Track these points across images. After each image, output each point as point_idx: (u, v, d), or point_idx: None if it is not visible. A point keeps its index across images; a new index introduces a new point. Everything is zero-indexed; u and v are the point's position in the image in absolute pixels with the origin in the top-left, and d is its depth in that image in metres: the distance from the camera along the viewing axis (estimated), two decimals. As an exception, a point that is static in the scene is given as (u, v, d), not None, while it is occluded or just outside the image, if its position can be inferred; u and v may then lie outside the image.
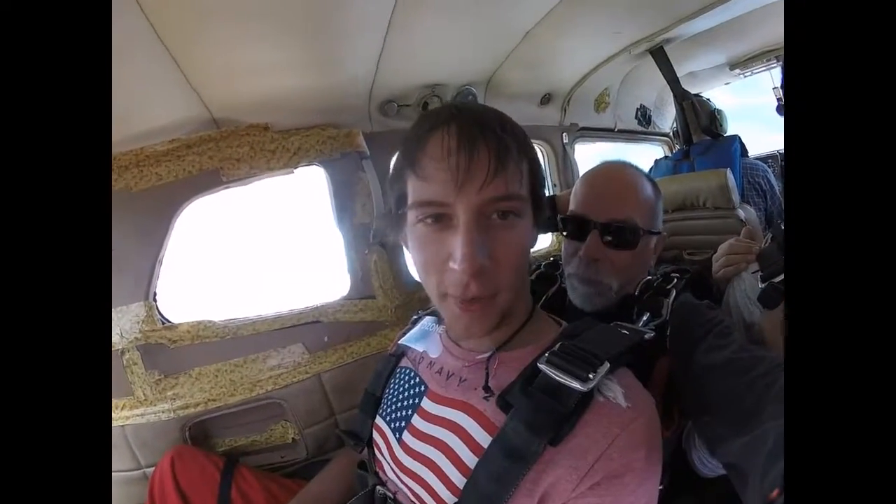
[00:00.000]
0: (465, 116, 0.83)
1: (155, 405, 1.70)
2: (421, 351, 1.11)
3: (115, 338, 1.64)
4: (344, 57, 1.61)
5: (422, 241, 0.85)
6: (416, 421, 1.00)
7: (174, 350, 1.72)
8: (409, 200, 0.85)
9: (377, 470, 1.11)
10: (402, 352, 1.18)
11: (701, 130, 3.13)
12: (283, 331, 1.82)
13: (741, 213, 2.12)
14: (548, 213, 0.99)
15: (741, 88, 4.08)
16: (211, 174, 1.67)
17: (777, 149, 4.51)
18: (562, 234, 1.38)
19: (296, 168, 1.79)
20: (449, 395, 0.97)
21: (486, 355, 0.95)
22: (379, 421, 1.11)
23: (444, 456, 0.90)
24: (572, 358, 0.84)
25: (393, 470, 1.02)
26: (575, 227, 1.33)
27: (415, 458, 0.96)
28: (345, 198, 1.90)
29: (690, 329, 1.13)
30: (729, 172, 2.14)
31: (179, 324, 1.72)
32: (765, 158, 4.36)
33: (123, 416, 1.68)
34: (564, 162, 2.93)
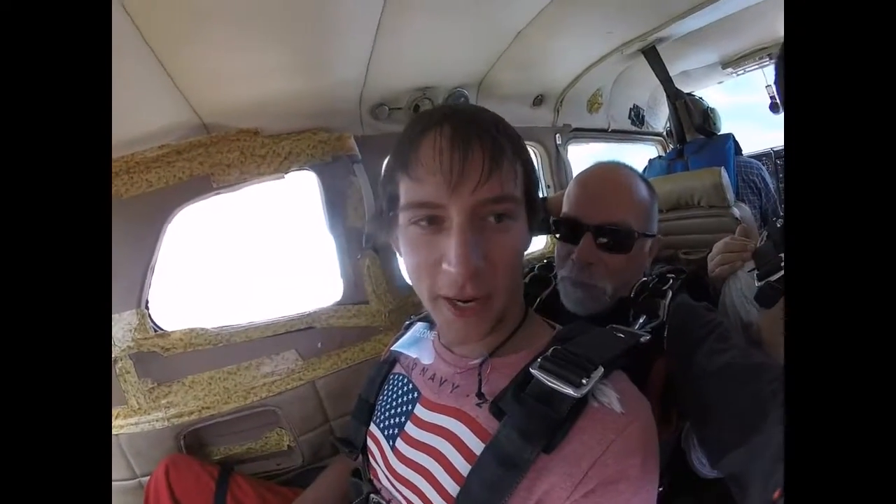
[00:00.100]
0: (458, 117, 0.83)
1: (149, 414, 1.69)
2: (413, 357, 1.09)
3: (108, 346, 1.62)
4: (333, 60, 1.60)
5: (414, 244, 0.84)
6: (410, 428, 0.98)
7: (167, 358, 1.70)
8: (402, 202, 0.83)
9: (371, 478, 1.10)
10: (394, 358, 1.17)
11: (694, 129, 3.12)
12: (276, 337, 1.81)
13: (736, 212, 2.12)
14: (541, 215, 0.98)
15: (734, 87, 4.10)
16: (201, 180, 1.66)
17: (771, 146, 4.52)
18: (554, 236, 1.36)
19: (287, 173, 1.78)
20: (441, 402, 0.96)
21: (479, 361, 0.93)
22: (373, 428, 1.09)
23: (437, 463, 0.89)
24: (565, 363, 0.82)
25: (387, 477, 1.01)
26: (568, 230, 1.30)
27: (408, 466, 0.95)
28: (336, 202, 1.89)
29: (689, 330, 1.11)
30: (723, 171, 2.13)
31: (172, 331, 1.71)
32: (759, 156, 4.37)
33: (118, 425, 1.67)
34: (558, 163, 2.93)
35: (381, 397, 1.12)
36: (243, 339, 1.77)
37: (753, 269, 1.13)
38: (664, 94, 3.17)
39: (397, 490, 0.98)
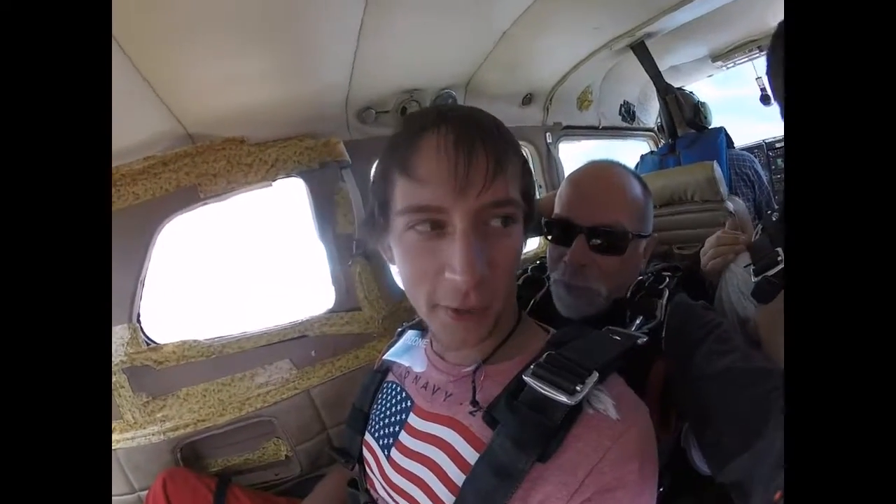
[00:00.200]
0: (458, 118, 0.80)
1: (144, 428, 1.68)
2: (406, 366, 1.08)
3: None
4: (316, 65, 1.59)
5: (412, 251, 0.81)
6: (404, 437, 0.97)
7: (160, 371, 1.69)
8: (399, 206, 0.81)
9: (368, 487, 1.09)
10: (387, 366, 1.15)
11: (685, 124, 3.12)
12: (269, 347, 1.80)
13: (730, 206, 2.11)
14: (536, 218, 0.97)
15: (724, 80, 4.09)
16: (188, 191, 1.64)
17: (762, 138, 4.53)
18: (546, 238, 1.34)
19: (274, 180, 1.76)
20: (435, 411, 0.94)
21: (472, 368, 0.92)
22: (368, 437, 1.08)
23: (432, 473, 0.87)
24: (559, 369, 0.80)
25: (383, 487, 1.00)
26: (560, 232, 1.28)
27: (403, 476, 0.94)
28: (325, 209, 1.87)
29: (688, 331, 1.10)
30: (716, 165, 2.12)
31: (164, 345, 1.69)
32: (750, 149, 4.39)
33: (114, 439, 1.66)
34: (549, 162, 2.92)
35: (375, 406, 1.11)
36: (236, 350, 1.76)
37: (749, 265, 1.12)
38: (654, 89, 3.17)
39: (393, 500, 0.97)
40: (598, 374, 0.79)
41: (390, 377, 1.12)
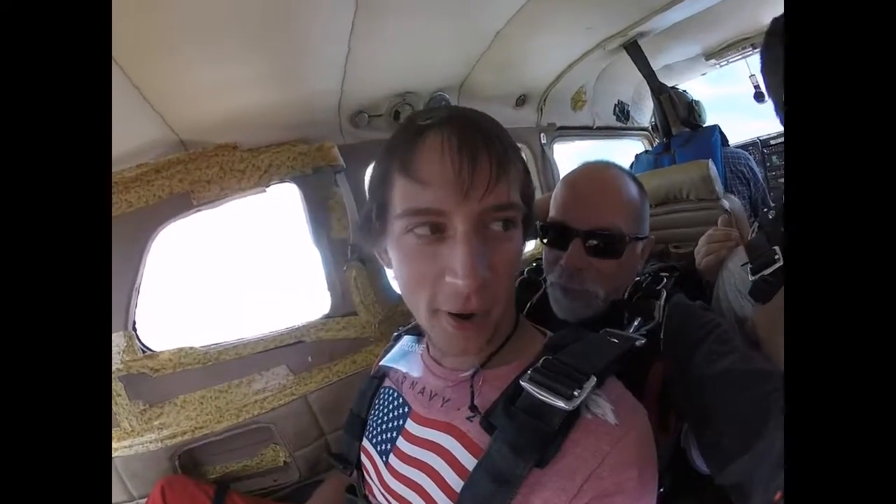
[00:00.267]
0: (460, 120, 0.80)
1: (142, 435, 1.68)
2: (403, 371, 1.07)
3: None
4: (307, 70, 1.59)
5: (412, 254, 0.80)
6: (402, 443, 0.96)
7: (157, 379, 1.69)
8: (399, 209, 0.79)
9: (367, 493, 1.08)
10: (384, 372, 1.14)
11: (680, 122, 3.12)
12: (266, 353, 1.80)
13: (726, 204, 2.11)
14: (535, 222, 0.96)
15: (717, 78, 4.09)
16: (181, 197, 1.64)
17: (757, 136, 4.53)
18: (542, 241, 1.32)
19: (268, 186, 1.76)
20: (432, 417, 0.93)
21: (470, 373, 0.91)
22: (366, 443, 1.07)
23: (430, 480, 0.87)
24: (556, 374, 0.80)
25: (382, 493, 0.99)
26: (556, 235, 1.26)
27: (402, 482, 0.93)
28: (320, 214, 1.87)
29: (687, 332, 1.09)
30: (711, 163, 2.12)
31: (160, 352, 1.69)
32: (745, 146, 4.39)
33: (112, 447, 1.66)
34: (544, 163, 2.92)
35: (372, 412, 1.10)
36: (233, 357, 1.76)
37: (746, 263, 1.12)
38: (648, 88, 3.17)
39: None
40: (595, 379, 0.78)
41: (387, 382, 1.11)
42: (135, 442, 1.66)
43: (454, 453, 0.85)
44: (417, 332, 1.14)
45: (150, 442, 1.67)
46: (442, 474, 0.85)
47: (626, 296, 1.26)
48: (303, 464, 1.86)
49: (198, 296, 2.22)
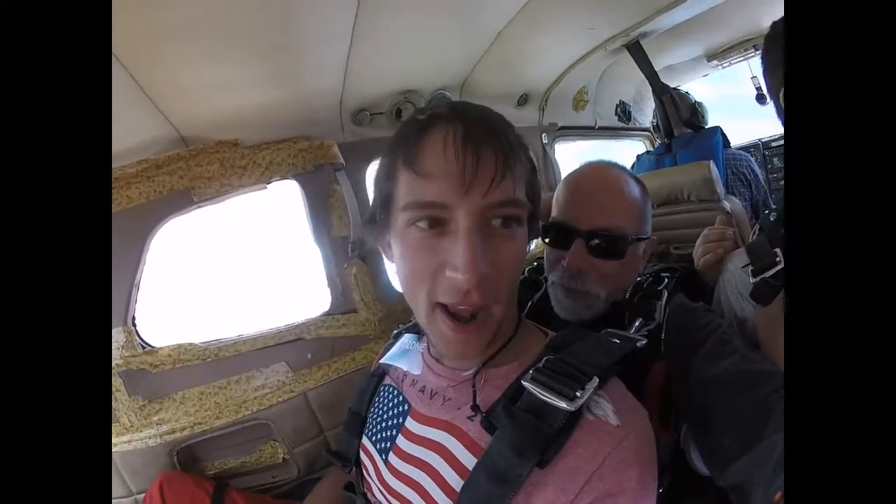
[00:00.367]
0: (468, 115, 0.80)
1: (141, 431, 1.68)
2: (403, 369, 1.07)
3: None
4: (309, 68, 1.58)
5: (414, 247, 0.80)
6: (401, 442, 0.96)
7: (156, 375, 1.69)
8: (402, 202, 0.80)
9: (365, 491, 1.07)
10: (384, 370, 1.14)
11: (682, 123, 3.12)
12: (266, 350, 1.79)
13: (727, 205, 2.10)
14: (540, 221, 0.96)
15: (719, 79, 4.08)
16: (182, 194, 1.63)
17: (758, 138, 4.52)
18: (543, 241, 1.32)
19: (268, 183, 1.75)
20: (432, 415, 0.93)
21: (472, 372, 0.91)
22: (365, 441, 1.07)
23: (430, 479, 0.87)
24: (558, 374, 0.79)
25: (381, 491, 0.99)
26: (558, 235, 1.26)
27: (402, 481, 0.93)
28: (320, 211, 1.86)
29: (688, 333, 1.10)
30: (712, 164, 2.11)
31: (160, 348, 1.69)
32: (746, 148, 4.38)
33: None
34: (545, 163, 2.91)
35: (371, 410, 1.10)
36: (232, 353, 1.76)
37: (748, 265, 1.12)
38: (650, 89, 3.16)
39: None
40: (598, 380, 0.78)
41: (387, 380, 1.11)
42: (134, 437, 1.66)
43: (454, 452, 0.85)
44: (418, 330, 1.14)
45: (149, 438, 1.67)
46: (441, 473, 0.85)
47: (627, 296, 1.26)
48: (301, 461, 1.86)
49: (198, 292, 2.22)
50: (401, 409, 1.01)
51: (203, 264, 2.19)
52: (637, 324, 1.17)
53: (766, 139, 4.48)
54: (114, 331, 1.63)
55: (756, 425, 0.84)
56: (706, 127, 3.18)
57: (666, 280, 1.27)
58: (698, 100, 3.26)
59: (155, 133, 1.54)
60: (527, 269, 1.56)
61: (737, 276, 1.21)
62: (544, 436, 0.75)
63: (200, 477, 1.75)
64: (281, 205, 1.89)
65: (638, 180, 1.32)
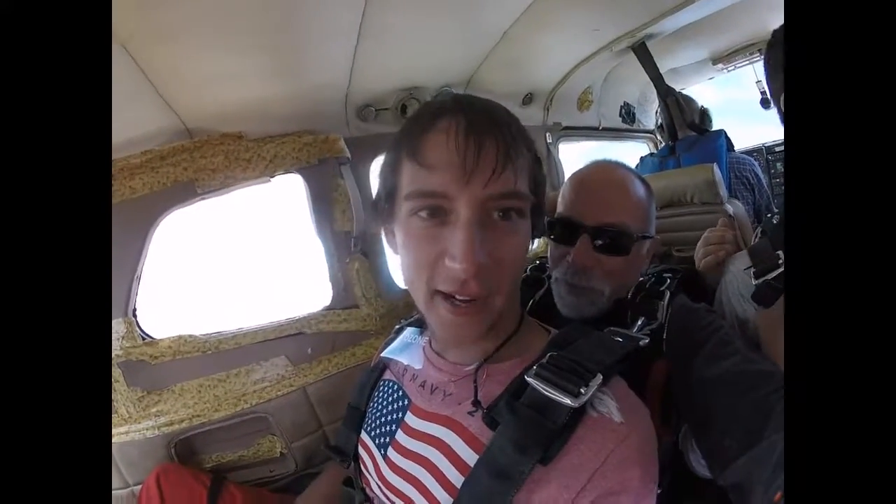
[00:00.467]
0: (473, 108, 0.80)
1: (139, 423, 1.67)
2: (404, 363, 1.07)
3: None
4: (316, 63, 1.58)
5: (415, 236, 0.81)
6: (401, 437, 0.96)
7: (156, 366, 1.68)
8: (405, 191, 0.80)
9: (364, 486, 1.07)
10: (384, 364, 1.14)
11: (686, 126, 3.11)
12: (266, 343, 1.79)
13: (729, 208, 2.10)
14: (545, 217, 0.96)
15: (724, 83, 4.09)
16: (185, 185, 1.63)
17: (762, 142, 4.52)
18: (548, 237, 1.32)
19: (272, 176, 1.75)
20: (433, 410, 0.93)
21: (474, 367, 0.91)
22: (364, 436, 1.07)
23: (429, 474, 0.87)
24: (563, 370, 0.79)
25: (379, 487, 0.99)
26: (563, 231, 1.26)
27: (400, 476, 0.93)
28: (324, 205, 1.86)
29: (690, 333, 1.10)
30: (715, 167, 2.12)
31: (160, 339, 1.69)
32: (750, 152, 4.37)
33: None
34: (549, 162, 2.91)
35: (371, 404, 1.10)
36: (232, 346, 1.75)
37: (750, 268, 1.12)
38: (654, 91, 3.16)
39: (389, 500, 0.96)
40: (602, 377, 0.78)
41: (387, 375, 1.11)
42: (131, 429, 1.66)
43: (454, 448, 0.85)
44: (420, 325, 1.14)
45: (147, 429, 1.66)
46: (441, 469, 0.85)
47: (629, 295, 1.26)
48: (299, 455, 1.85)
49: (199, 284, 2.21)
50: (400, 403, 1.01)
51: (205, 256, 2.19)
52: (639, 323, 1.17)
53: (769, 144, 4.48)
54: (114, 321, 1.63)
55: (756, 425, 0.84)
56: (710, 130, 3.17)
57: (668, 280, 1.27)
58: (702, 105, 3.26)
59: (160, 124, 1.54)
60: (528, 268, 1.56)
61: (738, 278, 1.21)
62: (547, 432, 0.75)
63: (198, 470, 1.74)
64: (284, 198, 1.88)
65: (643, 180, 1.33)
